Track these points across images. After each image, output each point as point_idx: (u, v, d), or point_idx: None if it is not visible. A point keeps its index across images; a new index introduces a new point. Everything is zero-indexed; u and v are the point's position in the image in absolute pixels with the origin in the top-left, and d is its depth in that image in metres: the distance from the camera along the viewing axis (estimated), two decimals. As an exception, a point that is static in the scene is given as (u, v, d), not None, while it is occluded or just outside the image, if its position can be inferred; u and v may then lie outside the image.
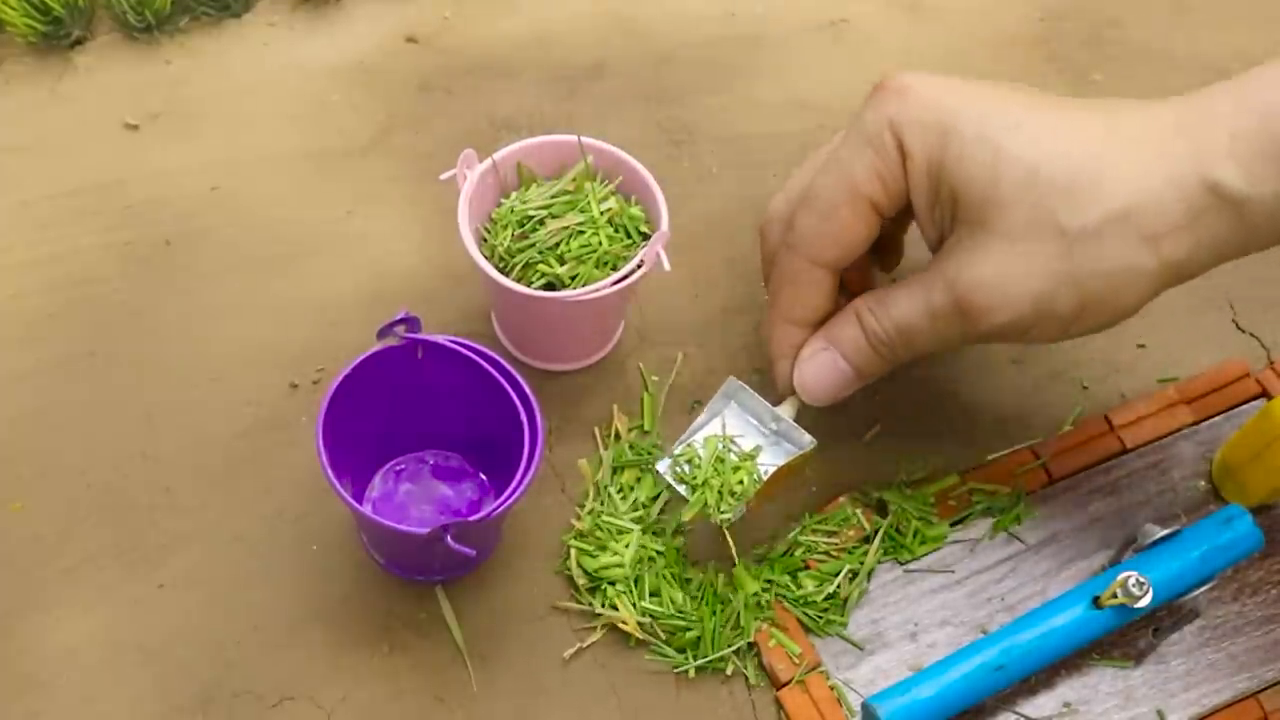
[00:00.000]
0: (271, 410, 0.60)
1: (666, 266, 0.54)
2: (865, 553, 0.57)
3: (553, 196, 0.57)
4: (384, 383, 0.53)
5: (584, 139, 0.58)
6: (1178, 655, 0.56)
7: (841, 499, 0.58)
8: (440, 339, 0.52)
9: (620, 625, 0.55)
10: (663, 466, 0.54)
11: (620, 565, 0.55)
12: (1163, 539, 0.54)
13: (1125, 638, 0.56)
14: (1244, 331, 0.65)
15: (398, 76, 0.71)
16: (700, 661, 0.55)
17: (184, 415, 0.60)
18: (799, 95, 0.72)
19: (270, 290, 0.63)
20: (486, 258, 0.56)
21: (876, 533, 0.57)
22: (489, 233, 0.57)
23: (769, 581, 0.56)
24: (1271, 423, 0.55)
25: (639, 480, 0.58)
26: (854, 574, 0.57)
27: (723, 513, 0.53)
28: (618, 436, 0.60)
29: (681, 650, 0.55)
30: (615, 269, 0.56)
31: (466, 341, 0.53)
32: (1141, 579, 0.52)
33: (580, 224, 0.56)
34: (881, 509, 0.58)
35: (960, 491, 0.59)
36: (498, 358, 0.52)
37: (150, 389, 0.60)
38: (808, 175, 0.54)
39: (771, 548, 0.58)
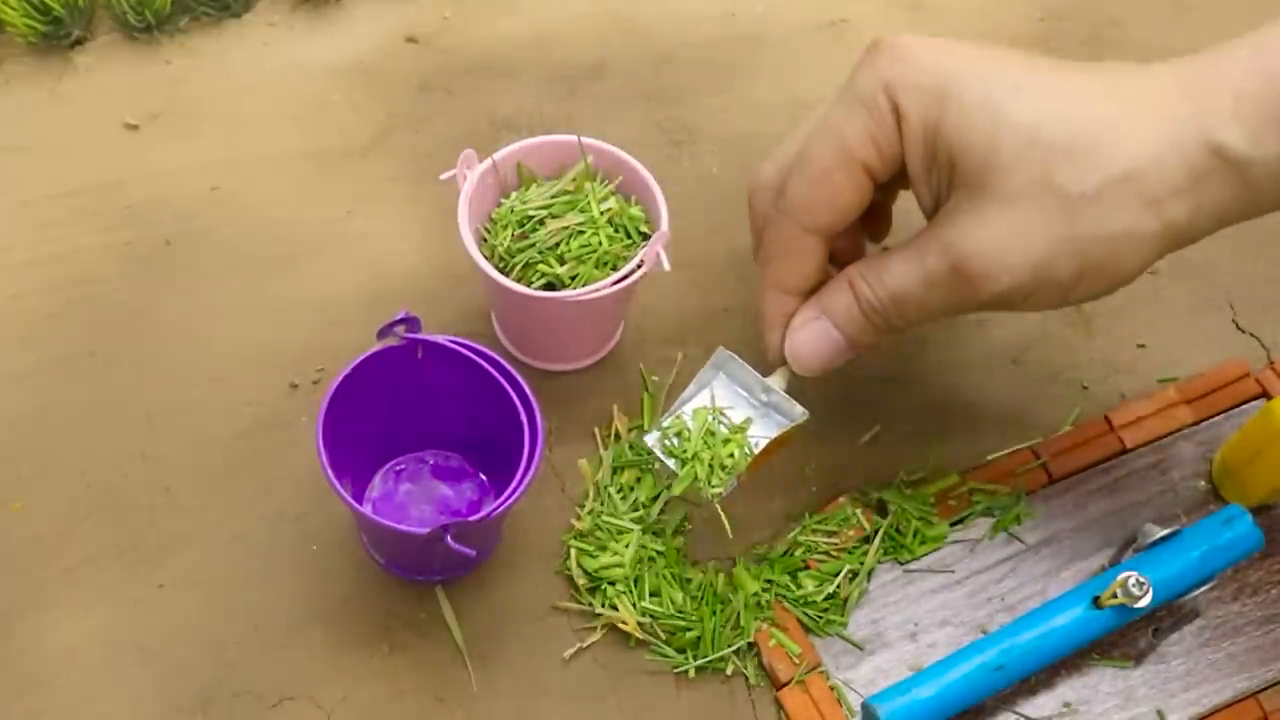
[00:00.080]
0: (271, 410, 0.60)
1: (666, 266, 0.54)
2: (865, 553, 0.57)
3: (553, 196, 0.57)
4: (384, 383, 0.53)
5: (584, 139, 0.58)
6: (1178, 655, 0.56)
7: (841, 499, 0.58)
8: (440, 339, 0.52)
9: (620, 625, 0.55)
10: (651, 439, 0.53)
11: (620, 565, 0.55)
12: (1163, 539, 0.54)
13: (1125, 638, 0.56)
14: (1244, 331, 0.65)
15: (398, 76, 0.71)
16: (700, 661, 0.55)
17: (184, 415, 0.60)
18: (799, 95, 0.72)
19: (270, 290, 0.63)
20: (486, 258, 0.56)
21: (876, 533, 0.57)
22: (489, 233, 0.57)
23: (769, 581, 0.56)
24: (1271, 423, 0.55)
25: (639, 480, 0.58)
26: (854, 574, 0.57)
27: (714, 487, 0.52)
28: (618, 436, 0.60)
29: (681, 650, 0.55)
30: (615, 269, 0.56)
31: (466, 341, 0.53)
32: (1141, 579, 0.52)
33: (580, 224, 0.56)
34: (881, 509, 0.58)
35: (960, 491, 0.59)
36: (498, 358, 0.52)
37: (150, 389, 0.60)
38: (798, 140, 0.53)
39: (771, 548, 0.58)
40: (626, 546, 0.56)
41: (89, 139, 0.67)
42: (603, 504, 0.57)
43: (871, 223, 0.58)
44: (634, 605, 0.55)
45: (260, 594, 0.55)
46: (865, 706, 0.53)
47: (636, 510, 0.57)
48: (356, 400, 0.52)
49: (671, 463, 0.53)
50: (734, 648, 0.55)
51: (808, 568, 0.57)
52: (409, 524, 0.55)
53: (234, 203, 0.66)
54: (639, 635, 0.55)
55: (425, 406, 0.55)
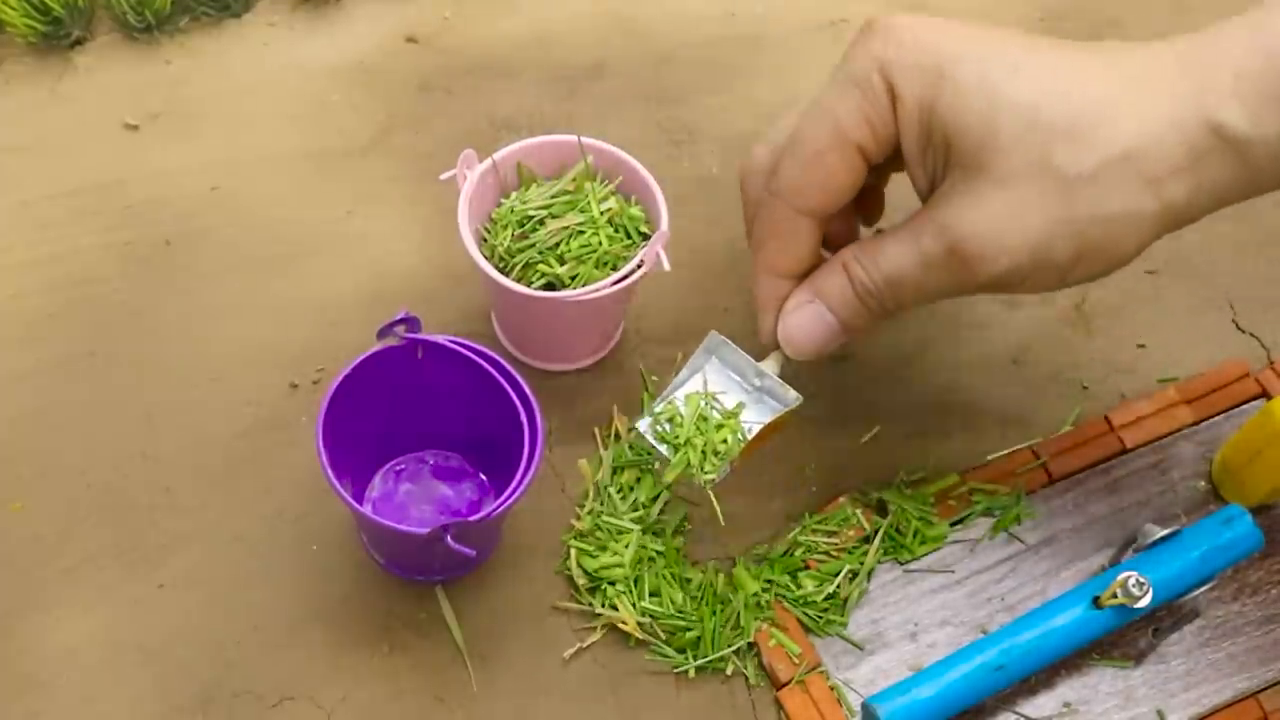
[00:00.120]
0: (271, 410, 0.60)
1: (666, 266, 0.54)
2: (865, 553, 0.57)
3: (553, 196, 0.57)
4: (384, 383, 0.53)
5: (584, 139, 0.58)
6: (1178, 655, 0.56)
7: (841, 499, 0.58)
8: (440, 339, 0.52)
9: (620, 625, 0.55)
10: (643, 425, 0.53)
11: (620, 565, 0.55)
12: (1163, 539, 0.54)
13: (1125, 638, 0.56)
14: (1244, 331, 0.65)
15: (398, 76, 0.71)
16: (700, 661, 0.55)
17: (184, 415, 0.60)
18: (799, 95, 0.71)
19: (270, 290, 0.63)
20: (486, 258, 0.56)
21: (876, 533, 0.57)
22: (489, 233, 0.57)
23: (769, 581, 0.56)
24: (1271, 423, 0.55)
25: (639, 480, 0.58)
26: (854, 574, 0.57)
27: (706, 473, 0.51)
28: (618, 436, 0.60)
29: (681, 650, 0.55)
30: (615, 269, 0.56)
31: (466, 341, 0.53)
32: (1141, 579, 0.52)
33: (580, 224, 0.56)
34: (881, 509, 0.58)
35: (960, 491, 0.59)
36: (498, 358, 0.52)
37: (150, 389, 0.60)
38: (791, 122, 0.52)
39: (771, 548, 0.58)
40: (626, 546, 0.56)
41: (89, 139, 0.67)
42: (603, 504, 0.57)
43: (864, 206, 0.57)
44: (634, 605, 0.55)
45: (260, 594, 0.55)
46: (865, 706, 0.53)
47: (636, 510, 0.57)
48: (356, 400, 0.52)
49: (664, 449, 0.52)
50: (734, 648, 0.55)
51: (808, 568, 0.57)
52: (409, 524, 0.55)
53: (234, 203, 0.66)
54: (639, 635, 0.55)
55: (425, 406, 0.55)
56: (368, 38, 0.72)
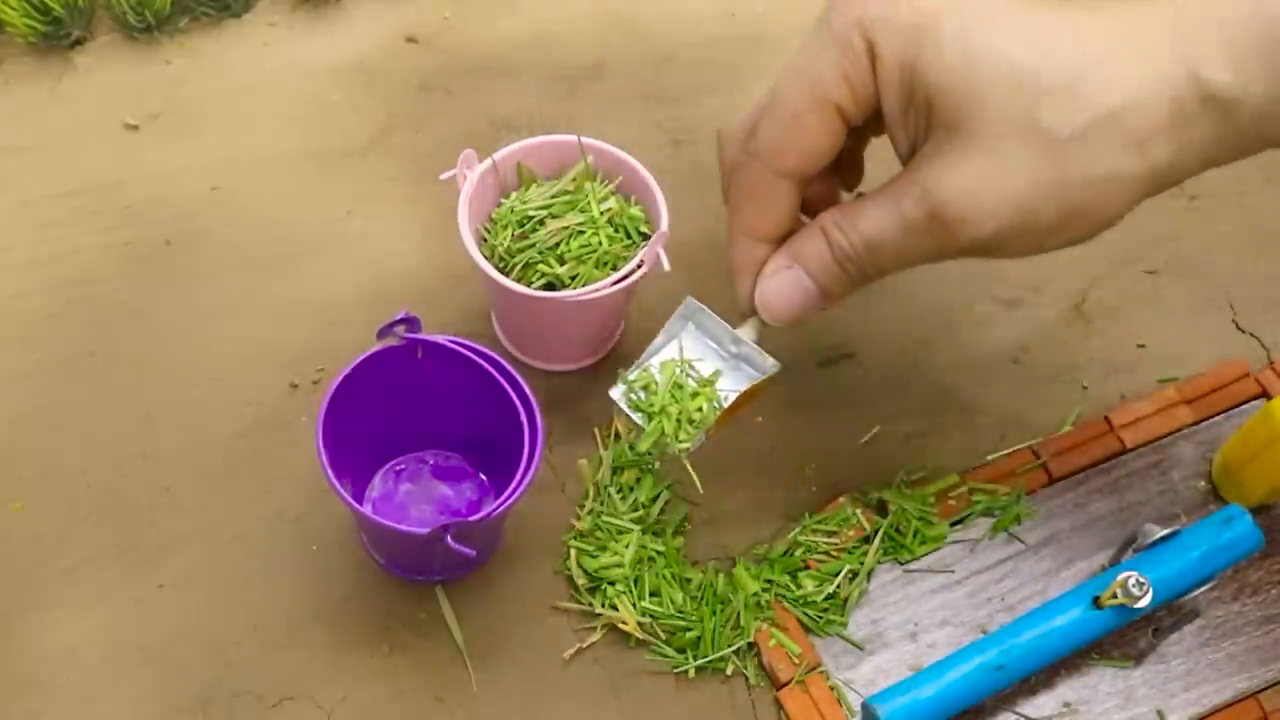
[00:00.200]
0: (271, 410, 0.60)
1: (666, 266, 0.54)
2: (865, 553, 0.57)
3: (553, 196, 0.57)
4: (384, 383, 0.53)
5: (584, 139, 0.58)
6: (1178, 655, 0.56)
7: (841, 499, 0.58)
8: (440, 339, 0.52)
9: (620, 625, 0.55)
10: (616, 393, 0.52)
11: (620, 565, 0.55)
12: (1163, 539, 0.54)
13: (1125, 638, 0.56)
14: (1244, 331, 0.65)
15: (398, 76, 0.71)
16: (700, 661, 0.55)
17: (184, 415, 0.60)
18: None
19: (270, 290, 0.63)
20: (486, 258, 0.56)
21: (876, 533, 0.57)
22: (489, 233, 0.57)
23: (769, 581, 0.56)
24: (1271, 423, 0.55)
25: (639, 480, 0.58)
26: (854, 574, 0.57)
27: (681, 442, 0.51)
28: (618, 436, 0.60)
29: (681, 650, 0.55)
30: (615, 269, 0.56)
31: (466, 341, 0.53)
32: (1141, 579, 0.52)
33: (580, 224, 0.56)
34: (881, 509, 0.58)
35: (960, 491, 0.59)
36: (498, 358, 0.52)
37: (150, 389, 0.60)
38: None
39: (771, 548, 0.58)
40: (626, 546, 0.56)
41: (89, 139, 0.67)
42: (603, 504, 0.57)
43: (843, 170, 0.55)
44: (634, 605, 0.55)
45: (260, 594, 0.55)
46: (865, 706, 0.52)
47: (636, 510, 0.57)
48: (356, 400, 0.52)
49: (638, 417, 0.51)
50: (734, 648, 0.55)
51: (808, 568, 0.57)
52: (409, 524, 0.55)
53: (234, 203, 0.66)
54: (639, 635, 0.55)
55: (425, 406, 0.55)
56: (368, 38, 0.72)
